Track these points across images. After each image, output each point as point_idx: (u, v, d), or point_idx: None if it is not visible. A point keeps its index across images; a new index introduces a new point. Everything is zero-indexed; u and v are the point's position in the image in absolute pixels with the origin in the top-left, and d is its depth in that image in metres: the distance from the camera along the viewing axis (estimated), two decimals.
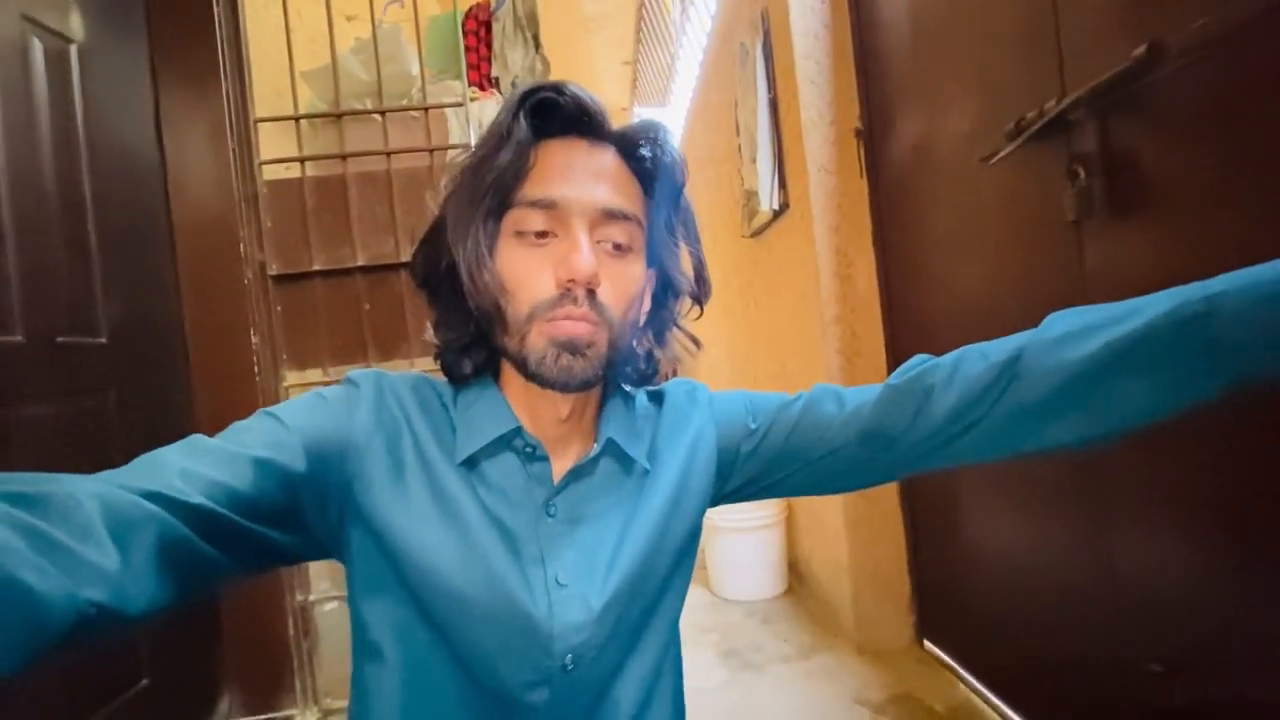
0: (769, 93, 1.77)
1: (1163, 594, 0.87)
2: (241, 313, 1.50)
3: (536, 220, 0.50)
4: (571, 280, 0.49)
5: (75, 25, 1.29)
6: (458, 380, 0.56)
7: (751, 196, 2.01)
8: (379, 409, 0.53)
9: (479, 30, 2.01)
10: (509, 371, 0.55)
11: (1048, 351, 0.50)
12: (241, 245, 1.50)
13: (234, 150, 1.50)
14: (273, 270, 1.51)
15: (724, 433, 0.62)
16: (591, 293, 0.49)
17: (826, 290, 1.59)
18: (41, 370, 1.13)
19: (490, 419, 0.53)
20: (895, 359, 1.55)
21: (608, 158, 0.53)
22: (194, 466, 0.42)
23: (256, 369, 1.49)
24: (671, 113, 5.53)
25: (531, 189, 0.51)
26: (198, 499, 0.40)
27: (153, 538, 0.38)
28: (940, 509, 1.46)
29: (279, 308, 1.51)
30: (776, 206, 1.79)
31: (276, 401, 1.50)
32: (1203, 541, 0.81)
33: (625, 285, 0.52)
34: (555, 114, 0.52)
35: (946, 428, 0.54)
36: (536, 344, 0.49)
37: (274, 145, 1.57)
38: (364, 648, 0.52)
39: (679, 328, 0.62)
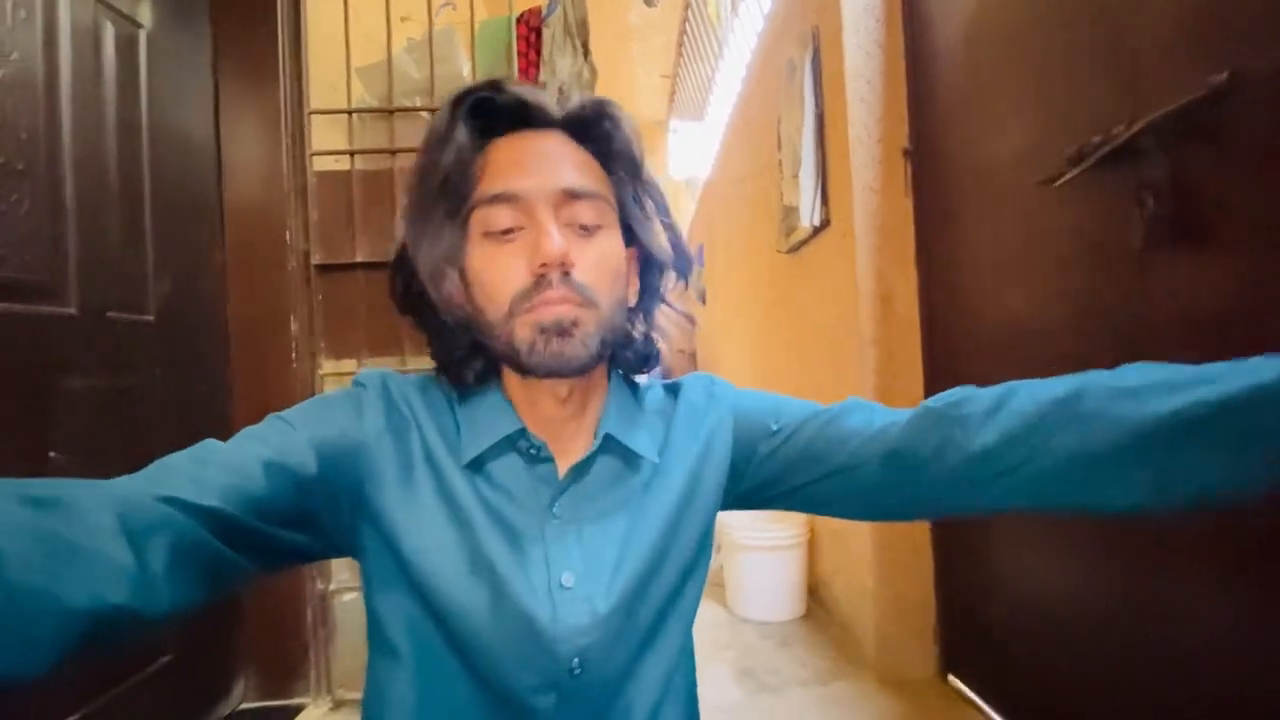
0: (816, 108, 1.76)
1: (1211, 640, 0.83)
2: (283, 300, 1.52)
3: (501, 217, 0.50)
4: (544, 265, 0.48)
5: (145, 12, 1.33)
6: (462, 387, 0.56)
7: (790, 212, 1.99)
8: (388, 409, 0.53)
9: (529, 36, 2.03)
10: (508, 371, 0.55)
11: (1119, 399, 0.44)
12: (288, 234, 1.53)
13: (287, 141, 1.54)
14: (317, 260, 1.53)
15: (742, 429, 0.60)
16: (567, 274, 0.49)
17: (865, 311, 1.56)
18: (91, 343, 1.15)
19: (493, 421, 0.53)
20: (933, 383, 1.52)
21: (560, 142, 0.53)
22: (207, 470, 0.43)
23: (294, 356, 1.51)
24: (708, 128, 5.56)
25: (488, 186, 0.51)
26: (212, 502, 0.41)
27: (169, 540, 0.39)
28: (973, 537, 1.43)
29: (320, 297, 1.54)
30: (817, 223, 1.77)
31: (312, 389, 1.51)
32: (1258, 585, 0.78)
33: (601, 262, 0.51)
34: (496, 113, 0.52)
35: (981, 466, 0.48)
36: (523, 334, 0.49)
37: (324, 138, 1.60)
38: (378, 645, 0.53)
39: (669, 305, 0.61)
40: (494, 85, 0.52)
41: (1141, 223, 0.87)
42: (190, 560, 0.40)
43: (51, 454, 1.06)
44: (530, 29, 2.04)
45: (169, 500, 0.40)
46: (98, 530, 0.36)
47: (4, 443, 0.98)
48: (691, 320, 0.66)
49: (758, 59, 2.74)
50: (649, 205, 0.56)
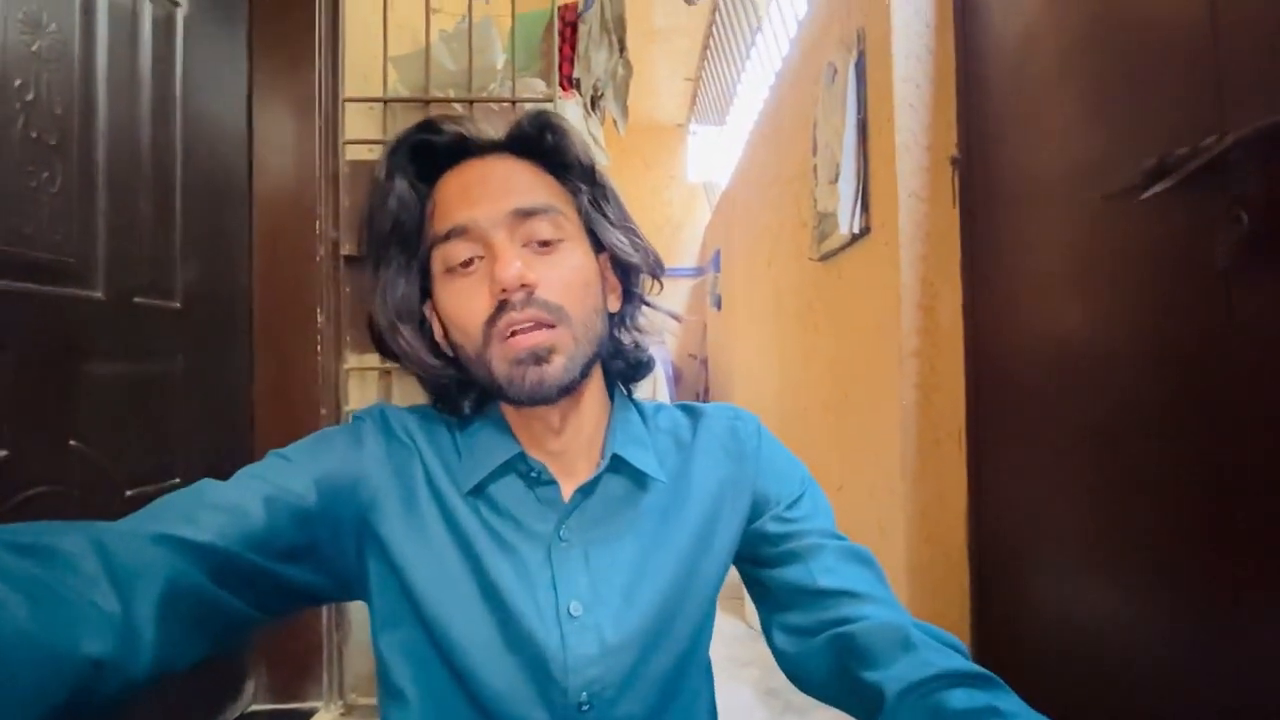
0: (859, 113, 1.72)
1: None
2: (310, 290, 1.48)
3: (457, 251, 0.50)
4: (503, 290, 0.48)
5: None
6: (461, 417, 0.56)
7: (825, 218, 1.95)
8: (388, 440, 0.53)
9: (564, 30, 1.99)
10: None
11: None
12: (318, 223, 1.49)
13: (320, 128, 1.50)
14: (345, 251, 1.49)
15: (762, 485, 0.57)
16: (531, 294, 0.48)
17: (908, 321, 1.52)
18: (117, 329, 1.12)
19: (492, 446, 0.53)
20: (977, 398, 1.47)
21: (505, 164, 0.53)
22: (202, 508, 0.42)
23: (319, 348, 1.47)
24: (728, 132, 5.52)
25: (440, 224, 0.51)
26: (208, 538, 0.41)
27: (160, 584, 0.38)
28: (1015, 564, 1.37)
29: (348, 289, 1.50)
30: (857, 230, 1.73)
31: (335, 382, 1.47)
32: None
33: (565, 274, 0.50)
34: (436, 152, 0.53)
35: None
36: (501, 368, 0.49)
37: (356, 129, 1.56)
38: (387, 690, 0.51)
39: (650, 305, 0.60)
40: (428, 127, 0.52)
41: (1231, 241, 0.82)
42: (182, 606, 0.39)
43: (72, 442, 1.02)
44: (566, 23, 2.00)
45: (162, 539, 0.39)
46: (85, 577, 0.35)
47: (25, 429, 0.94)
48: (677, 318, 0.66)
49: (791, 63, 2.70)
50: (607, 207, 0.55)
